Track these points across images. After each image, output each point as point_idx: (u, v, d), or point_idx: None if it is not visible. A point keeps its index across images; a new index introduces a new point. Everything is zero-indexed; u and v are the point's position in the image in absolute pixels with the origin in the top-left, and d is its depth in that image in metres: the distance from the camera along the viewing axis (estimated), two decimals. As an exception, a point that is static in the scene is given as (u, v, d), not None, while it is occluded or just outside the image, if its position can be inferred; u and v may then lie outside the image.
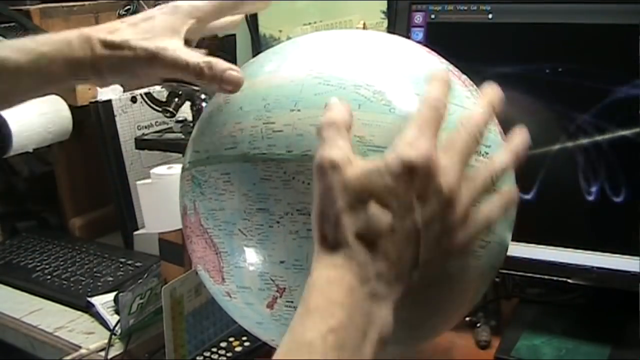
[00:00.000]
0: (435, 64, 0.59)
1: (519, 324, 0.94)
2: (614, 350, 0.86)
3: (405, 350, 0.58)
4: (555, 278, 0.87)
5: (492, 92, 0.53)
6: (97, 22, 1.51)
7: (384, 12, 1.26)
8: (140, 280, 1.03)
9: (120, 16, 1.12)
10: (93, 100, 1.29)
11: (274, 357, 0.42)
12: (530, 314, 0.97)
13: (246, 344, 0.96)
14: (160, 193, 1.07)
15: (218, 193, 0.54)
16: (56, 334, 1.06)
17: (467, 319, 0.94)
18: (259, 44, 1.44)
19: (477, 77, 0.61)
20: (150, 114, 1.36)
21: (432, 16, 0.90)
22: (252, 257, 0.53)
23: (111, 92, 1.32)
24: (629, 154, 0.80)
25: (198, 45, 0.60)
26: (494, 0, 0.87)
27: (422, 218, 0.44)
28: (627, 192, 0.80)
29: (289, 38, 1.08)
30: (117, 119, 1.30)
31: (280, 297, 0.53)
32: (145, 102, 1.35)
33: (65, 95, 1.32)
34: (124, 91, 1.36)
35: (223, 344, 0.96)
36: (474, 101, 0.56)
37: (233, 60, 1.20)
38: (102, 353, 0.99)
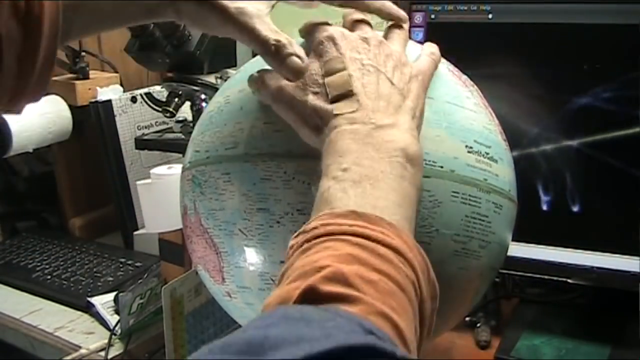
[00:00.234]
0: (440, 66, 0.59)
1: (519, 324, 0.94)
2: (614, 350, 0.86)
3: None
4: (555, 278, 0.87)
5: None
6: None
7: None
8: (140, 280, 1.03)
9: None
10: (93, 100, 1.29)
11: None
12: (530, 314, 0.97)
13: (246, 344, 0.96)
14: (160, 193, 1.07)
15: (218, 193, 0.54)
16: (56, 334, 1.06)
17: (467, 319, 0.94)
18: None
19: (477, 77, 0.61)
20: (150, 114, 1.36)
21: (432, 16, 0.90)
22: (252, 257, 0.53)
23: (111, 92, 1.32)
24: (628, 154, 0.80)
25: None
26: (494, 0, 0.87)
27: (367, 58, 0.50)
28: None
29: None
30: (117, 119, 1.30)
31: None
32: (145, 102, 1.35)
33: (65, 95, 1.32)
34: (124, 91, 1.36)
35: (223, 344, 0.96)
36: (474, 101, 0.56)
37: (233, 61, 1.20)
38: (102, 353, 0.99)
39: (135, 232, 1.32)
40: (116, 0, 0.52)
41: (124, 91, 1.36)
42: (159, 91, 1.35)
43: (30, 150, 1.29)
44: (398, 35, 0.55)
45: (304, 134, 0.50)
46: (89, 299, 1.11)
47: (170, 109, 1.15)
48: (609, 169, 0.82)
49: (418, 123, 0.49)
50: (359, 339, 0.33)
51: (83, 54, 1.34)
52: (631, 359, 0.85)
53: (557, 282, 0.87)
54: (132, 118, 1.33)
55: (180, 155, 1.17)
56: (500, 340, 0.91)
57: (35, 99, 0.51)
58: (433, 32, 0.90)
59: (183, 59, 1.12)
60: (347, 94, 0.48)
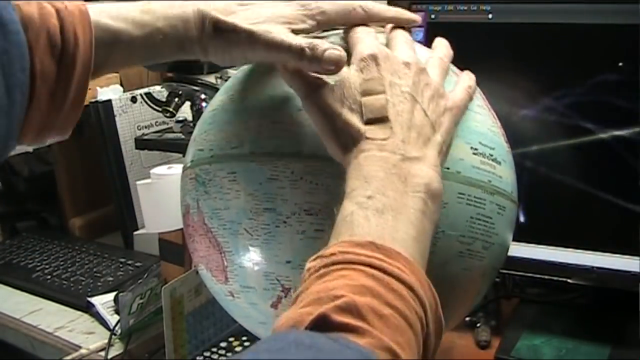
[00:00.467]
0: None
1: (519, 324, 0.94)
2: (614, 350, 0.86)
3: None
4: (555, 278, 0.87)
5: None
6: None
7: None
8: (140, 280, 1.03)
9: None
10: (93, 100, 1.29)
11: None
12: (530, 314, 0.97)
13: (246, 344, 0.96)
14: (160, 193, 1.07)
15: (223, 192, 0.54)
16: (56, 334, 1.06)
17: (467, 319, 0.94)
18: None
19: (478, 77, 0.61)
20: (150, 114, 1.36)
21: (432, 16, 0.90)
22: (257, 256, 0.53)
23: (111, 92, 1.32)
24: (629, 153, 0.80)
25: None
26: (494, 0, 0.87)
27: (406, 85, 0.50)
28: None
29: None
30: (117, 119, 1.30)
31: (286, 297, 0.53)
32: (145, 102, 1.35)
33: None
34: (124, 91, 1.36)
35: (223, 344, 0.96)
36: (478, 103, 0.57)
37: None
38: (102, 353, 0.99)
39: (135, 232, 1.32)
40: (147, 40, 0.53)
41: (124, 91, 1.36)
42: (159, 91, 1.35)
43: (30, 150, 1.29)
44: (439, 63, 0.55)
45: (330, 145, 0.50)
46: (89, 299, 1.11)
47: (170, 109, 1.15)
48: (609, 168, 0.82)
49: (443, 159, 0.50)
50: None
51: (83, 54, 1.34)
52: (631, 359, 0.85)
53: (557, 282, 0.87)
54: (132, 118, 1.33)
55: (181, 155, 1.17)
56: (500, 340, 0.91)
57: (63, 135, 0.53)
58: (433, 32, 0.90)
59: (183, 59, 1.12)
60: (381, 119, 0.48)
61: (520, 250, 0.86)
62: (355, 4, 0.55)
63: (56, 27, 0.50)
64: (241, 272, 0.54)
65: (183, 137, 1.18)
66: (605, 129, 0.81)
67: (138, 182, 1.14)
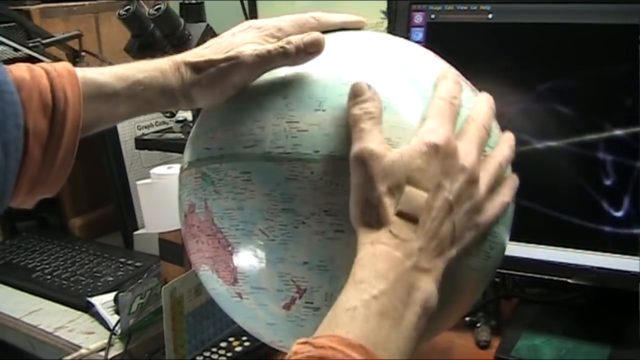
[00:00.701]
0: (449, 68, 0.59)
1: (519, 324, 0.94)
2: (614, 350, 0.86)
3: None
4: (555, 278, 0.87)
5: (488, 97, 0.58)
6: (97, 22, 1.51)
7: (383, 12, 1.26)
8: (140, 280, 1.03)
9: (120, 16, 1.12)
10: (93, 100, 1.29)
11: (320, 327, 0.45)
12: (530, 314, 0.97)
13: (246, 344, 0.96)
14: (160, 193, 1.07)
15: (236, 192, 0.53)
16: (56, 334, 1.06)
17: (467, 319, 0.94)
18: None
19: (477, 77, 0.61)
20: (150, 114, 1.36)
21: (432, 16, 0.90)
22: (272, 257, 0.52)
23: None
24: (630, 152, 0.80)
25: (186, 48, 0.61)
26: (494, 0, 0.87)
27: (451, 194, 0.49)
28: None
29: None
30: (117, 119, 1.30)
31: (300, 298, 0.52)
32: (145, 102, 1.35)
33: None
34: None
35: (223, 344, 0.96)
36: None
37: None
38: (102, 353, 0.99)
39: (135, 232, 1.32)
40: (130, 91, 0.56)
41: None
42: (159, 91, 1.35)
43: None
44: (491, 174, 0.52)
45: (354, 210, 0.49)
46: (89, 299, 1.11)
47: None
48: (608, 168, 0.82)
49: (446, 271, 0.49)
50: None
51: (83, 54, 1.34)
52: (631, 359, 0.85)
53: (557, 282, 0.86)
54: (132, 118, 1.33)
55: (181, 155, 1.17)
56: (500, 340, 0.91)
57: (52, 191, 0.56)
58: (433, 32, 0.90)
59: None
60: (412, 218, 0.48)
61: (520, 250, 0.86)
62: (307, 15, 0.59)
63: (47, 87, 0.53)
64: (253, 273, 0.53)
65: (183, 137, 1.18)
66: (606, 128, 0.81)
67: (138, 182, 1.14)
